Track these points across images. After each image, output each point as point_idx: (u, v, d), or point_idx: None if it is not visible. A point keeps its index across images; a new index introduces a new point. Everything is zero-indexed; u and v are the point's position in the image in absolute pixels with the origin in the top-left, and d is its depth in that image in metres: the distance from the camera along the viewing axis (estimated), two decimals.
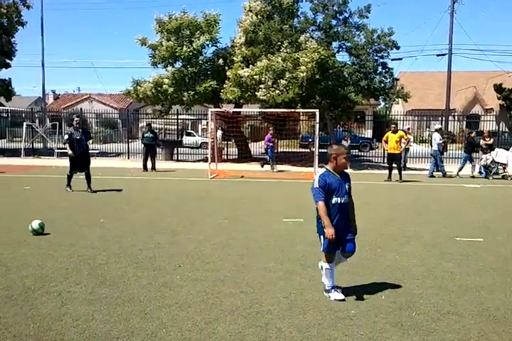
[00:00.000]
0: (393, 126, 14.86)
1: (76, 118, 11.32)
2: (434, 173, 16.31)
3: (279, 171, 17.79)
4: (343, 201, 4.32)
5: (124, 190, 11.62)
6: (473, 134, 17.59)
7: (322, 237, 4.34)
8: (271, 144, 17.95)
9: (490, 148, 16.83)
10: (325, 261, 4.44)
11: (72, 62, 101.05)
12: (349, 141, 19.61)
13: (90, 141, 11.46)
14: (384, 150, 17.75)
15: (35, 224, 6.83)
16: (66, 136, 11.22)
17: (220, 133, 21.66)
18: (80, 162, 11.15)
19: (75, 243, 6.34)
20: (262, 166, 18.18)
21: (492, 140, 17.47)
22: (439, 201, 10.81)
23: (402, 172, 14.84)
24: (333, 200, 4.29)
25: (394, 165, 14.56)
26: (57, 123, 25.99)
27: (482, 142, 17.01)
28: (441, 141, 16.57)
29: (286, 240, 6.72)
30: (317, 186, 4.28)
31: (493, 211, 9.57)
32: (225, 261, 5.60)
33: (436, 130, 17.18)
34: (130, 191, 11.47)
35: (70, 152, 11.02)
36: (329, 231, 4.15)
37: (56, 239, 6.55)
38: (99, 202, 9.92)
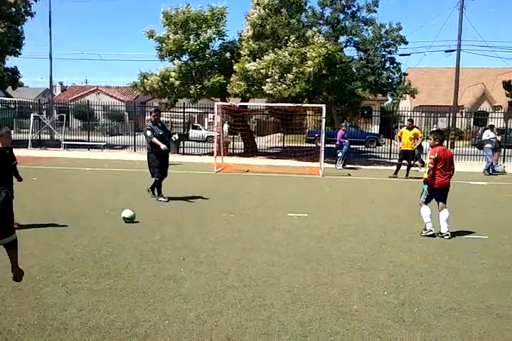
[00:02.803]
0: (408, 122, 14.70)
1: (154, 112, 9.54)
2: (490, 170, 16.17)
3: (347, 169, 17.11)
4: None
5: (130, 182, 11.65)
6: None
7: None
8: (346, 141, 17.25)
9: (499, 144, 16.84)
10: None
11: (79, 54, 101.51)
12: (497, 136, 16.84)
13: (173, 138, 9.95)
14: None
15: (128, 213, 7.20)
16: (149, 132, 9.08)
17: (226, 127, 21.65)
18: (165, 165, 9.50)
19: (81, 234, 6.38)
20: (344, 165, 17.26)
21: (500, 137, 17.40)
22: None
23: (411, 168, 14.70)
24: None
25: (404, 161, 14.40)
26: (65, 115, 26.07)
27: None
28: (494, 138, 16.44)
29: (291, 235, 6.74)
30: None
31: (499, 209, 9.52)
32: (229, 255, 5.62)
33: (489, 126, 16.95)
34: (136, 183, 11.49)
35: (162, 146, 8.93)
36: None
37: (62, 230, 6.60)
38: (106, 194, 9.97)
